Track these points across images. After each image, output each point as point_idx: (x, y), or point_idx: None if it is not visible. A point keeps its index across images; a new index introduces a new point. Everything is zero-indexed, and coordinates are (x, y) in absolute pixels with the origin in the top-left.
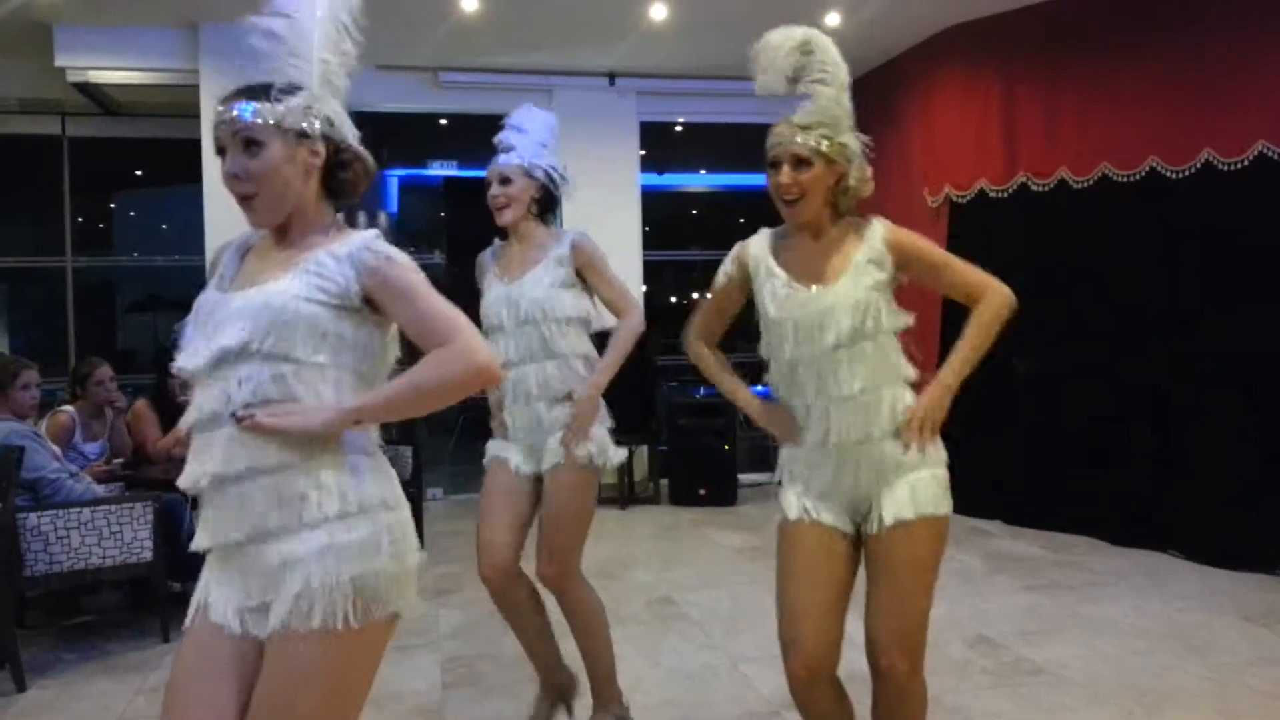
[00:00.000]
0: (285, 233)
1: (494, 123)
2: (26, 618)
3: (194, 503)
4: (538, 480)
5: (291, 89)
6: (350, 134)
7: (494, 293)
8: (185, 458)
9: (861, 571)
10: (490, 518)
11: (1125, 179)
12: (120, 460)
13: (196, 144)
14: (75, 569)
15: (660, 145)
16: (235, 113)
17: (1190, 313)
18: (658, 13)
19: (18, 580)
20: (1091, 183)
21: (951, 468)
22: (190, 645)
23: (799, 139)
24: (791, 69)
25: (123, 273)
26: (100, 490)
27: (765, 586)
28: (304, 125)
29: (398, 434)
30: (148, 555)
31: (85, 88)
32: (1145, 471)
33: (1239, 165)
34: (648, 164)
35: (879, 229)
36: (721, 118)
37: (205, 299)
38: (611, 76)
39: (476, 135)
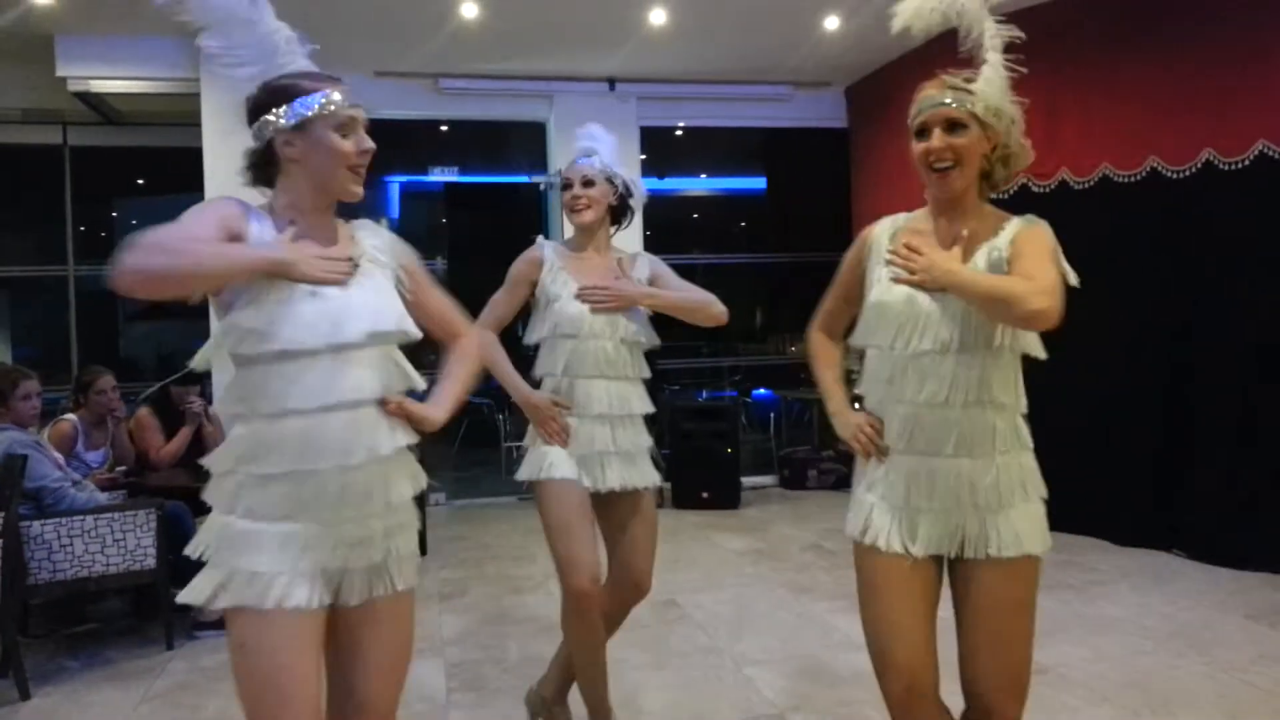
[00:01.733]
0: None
1: (494, 129)
2: (30, 626)
3: (196, 510)
4: (594, 496)
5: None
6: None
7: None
8: (188, 464)
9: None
10: (577, 533)
11: (1127, 179)
12: (123, 468)
13: (198, 152)
14: (79, 577)
15: (661, 150)
16: (336, 97)
17: (1194, 312)
18: (657, 18)
19: (21, 588)
20: (1092, 183)
21: None
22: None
23: (950, 100)
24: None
25: None
26: (103, 498)
27: (769, 589)
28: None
29: None
30: (151, 563)
31: (86, 97)
32: (1149, 471)
33: (1240, 165)
34: (648, 168)
35: (1015, 225)
36: (722, 122)
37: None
38: (612, 82)
39: (477, 141)
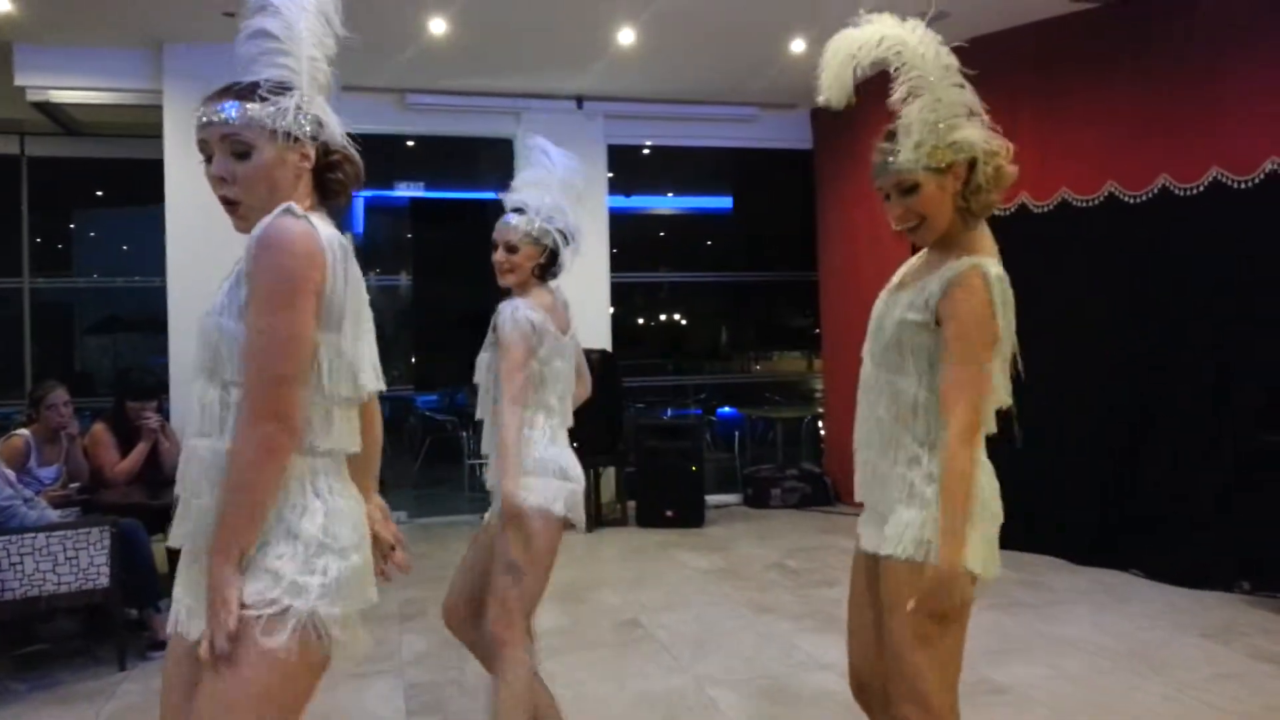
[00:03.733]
0: None
1: (461, 145)
2: None
3: (151, 528)
4: None
5: (280, 88)
6: (338, 133)
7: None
8: (144, 481)
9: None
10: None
11: (1085, 203)
12: (77, 485)
13: (158, 164)
14: (29, 596)
15: (628, 168)
16: (222, 113)
17: (1151, 336)
18: (625, 37)
19: None
20: (1051, 207)
21: None
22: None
23: (892, 162)
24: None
25: (81, 294)
26: (55, 515)
27: (732, 608)
28: (294, 128)
29: None
30: (105, 581)
31: (45, 107)
32: (1107, 492)
33: (1195, 190)
34: (615, 186)
35: (953, 269)
36: (689, 141)
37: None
38: (579, 100)
39: (443, 157)
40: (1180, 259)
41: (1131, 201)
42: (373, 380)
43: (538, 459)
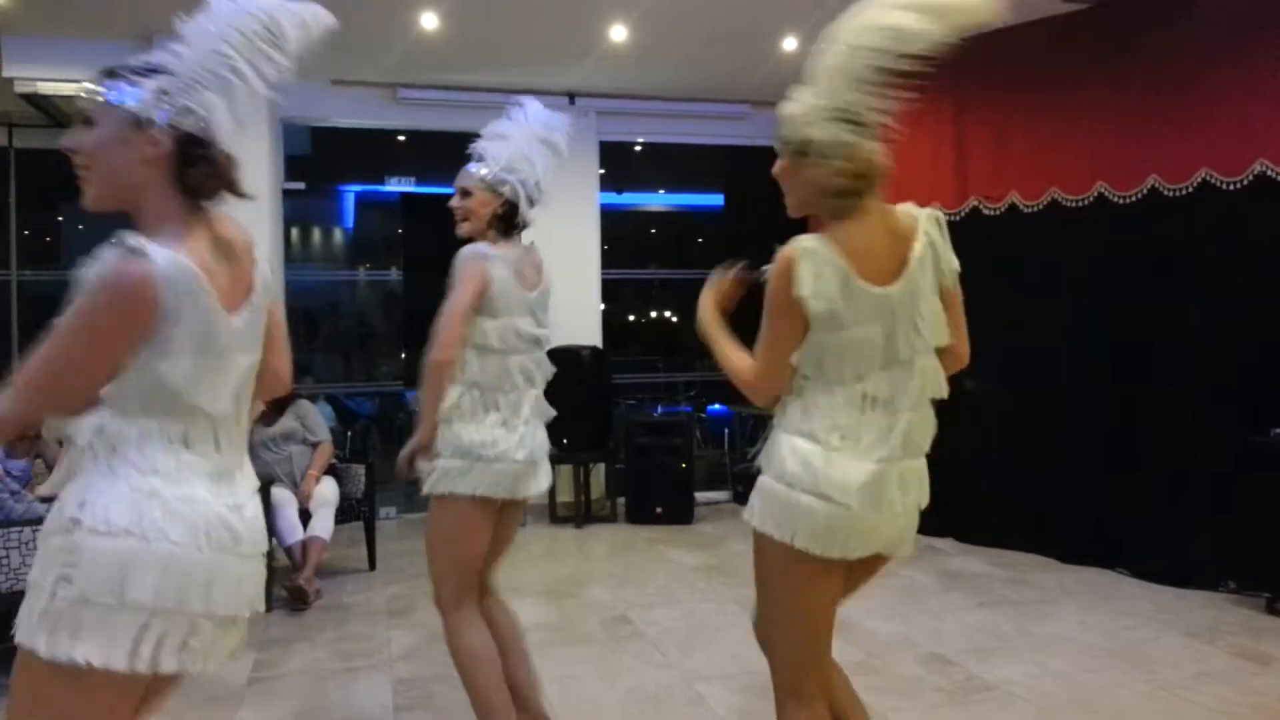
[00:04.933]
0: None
1: (452, 139)
2: None
3: None
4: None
5: (150, 71)
6: (220, 131)
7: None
8: None
9: None
10: None
11: (1075, 204)
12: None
13: None
14: (14, 590)
15: (620, 165)
16: (85, 87)
17: (1138, 335)
18: (618, 34)
19: None
20: (1041, 207)
21: None
22: None
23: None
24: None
25: (70, 287)
26: (42, 509)
27: (721, 605)
28: (142, 111)
29: (350, 452)
30: None
31: (33, 99)
32: (1094, 491)
33: (1184, 191)
34: (607, 183)
35: (784, 249)
36: (680, 138)
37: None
38: (571, 96)
39: (435, 152)
40: (1168, 260)
41: (1121, 202)
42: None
43: (443, 437)
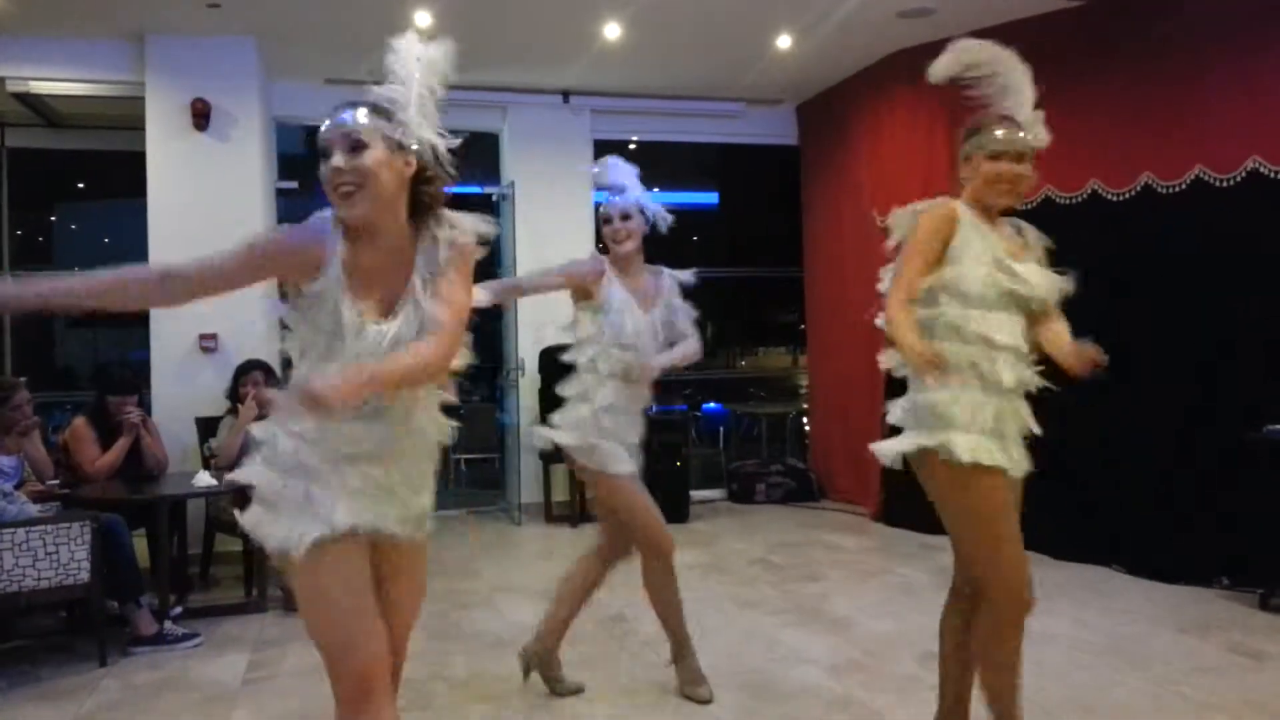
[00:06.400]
0: (375, 236)
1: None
2: None
3: (133, 523)
4: None
5: (392, 107)
6: (437, 158)
7: (636, 318)
8: (125, 476)
9: None
10: (653, 509)
11: (1068, 200)
12: (56, 481)
13: (140, 156)
14: (8, 591)
15: None
16: (346, 117)
17: (1131, 334)
18: (612, 32)
19: None
20: (1034, 205)
21: (898, 485)
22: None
23: (1022, 136)
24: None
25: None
26: (35, 510)
27: (716, 603)
28: (402, 138)
29: None
30: (85, 576)
31: (26, 98)
32: (1088, 488)
33: (1178, 188)
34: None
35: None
36: (675, 137)
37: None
38: (566, 94)
39: None
40: (1161, 256)
41: (1115, 199)
42: None
43: None
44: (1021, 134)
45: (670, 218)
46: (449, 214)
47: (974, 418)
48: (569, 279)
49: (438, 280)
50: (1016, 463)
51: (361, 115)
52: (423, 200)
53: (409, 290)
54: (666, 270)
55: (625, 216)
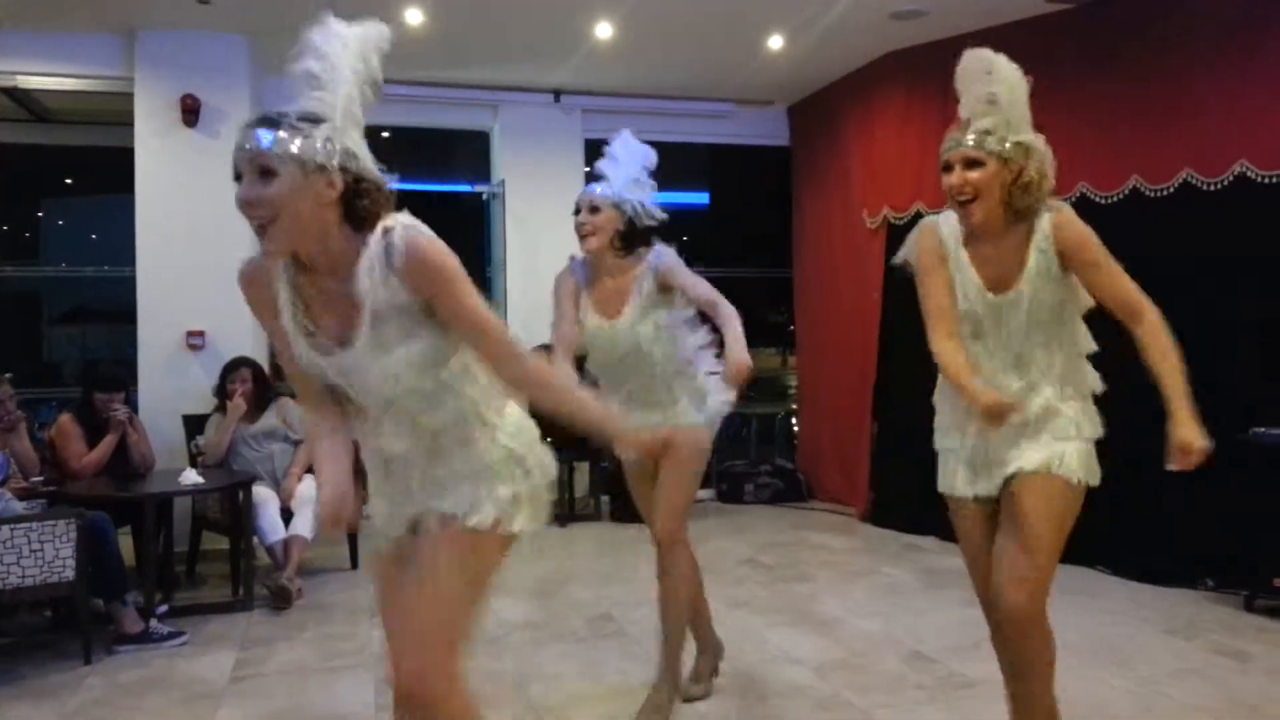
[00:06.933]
0: (311, 266)
1: (437, 137)
2: None
3: (119, 520)
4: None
5: (312, 119)
6: (368, 164)
7: (595, 331)
8: (112, 474)
9: None
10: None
11: (1104, 200)
12: (41, 478)
13: (129, 153)
14: None
15: None
16: (255, 140)
17: (1118, 339)
18: (603, 31)
19: None
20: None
21: (886, 486)
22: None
23: (970, 140)
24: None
25: (49, 283)
26: (20, 507)
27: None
28: (321, 157)
29: None
30: (70, 574)
31: (14, 93)
32: None
33: (1165, 192)
34: (592, 180)
35: (1047, 218)
36: (666, 136)
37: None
38: (557, 93)
39: (419, 149)
40: (1148, 259)
41: (1103, 202)
42: None
43: None
44: (971, 137)
45: (662, 215)
46: (398, 229)
47: (951, 449)
48: (565, 331)
49: (451, 325)
50: (989, 485)
51: (269, 137)
52: (359, 215)
53: (360, 318)
54: (654, 250)
55: (593, 209)
